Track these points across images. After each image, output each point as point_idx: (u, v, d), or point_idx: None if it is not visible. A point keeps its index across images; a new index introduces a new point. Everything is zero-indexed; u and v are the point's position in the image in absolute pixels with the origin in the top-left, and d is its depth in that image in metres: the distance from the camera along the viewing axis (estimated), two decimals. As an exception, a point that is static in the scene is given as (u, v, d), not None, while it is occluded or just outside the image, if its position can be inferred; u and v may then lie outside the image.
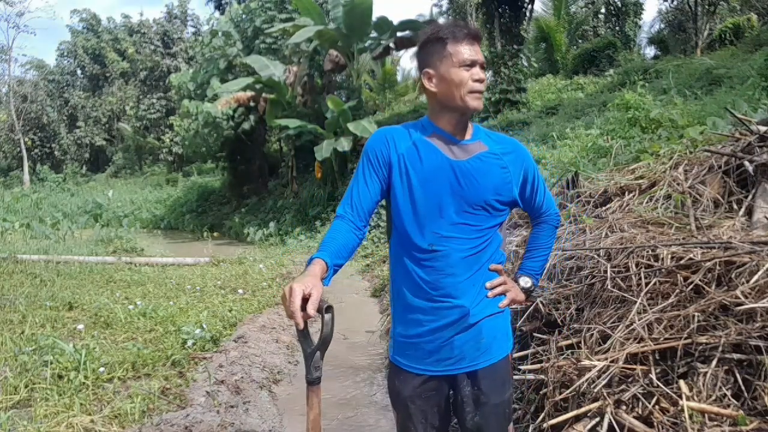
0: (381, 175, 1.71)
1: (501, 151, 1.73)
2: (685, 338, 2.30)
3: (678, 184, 3.92)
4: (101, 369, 3.88)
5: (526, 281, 1.86)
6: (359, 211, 1.69)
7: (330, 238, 1.65)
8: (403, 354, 1.76)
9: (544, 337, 2.95)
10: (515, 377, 2.65)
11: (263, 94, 16.77)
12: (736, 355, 2.20)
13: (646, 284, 2.71)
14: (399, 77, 26.96)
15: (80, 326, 4.97)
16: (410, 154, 1.69)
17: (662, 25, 23.09)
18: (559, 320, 3.02)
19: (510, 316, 1.83)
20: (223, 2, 26.44)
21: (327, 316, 1.50)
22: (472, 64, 1.64)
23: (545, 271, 3.14)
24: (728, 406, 2.09)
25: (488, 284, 1.72)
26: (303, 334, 1.56)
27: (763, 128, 3.86)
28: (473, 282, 1.69)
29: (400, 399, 1.78)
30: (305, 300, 1.44)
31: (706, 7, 18.13)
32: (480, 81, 1.66)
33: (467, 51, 1.64)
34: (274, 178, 20.15)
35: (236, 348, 4.66)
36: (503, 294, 1.75)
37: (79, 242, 13.07)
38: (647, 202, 3.94)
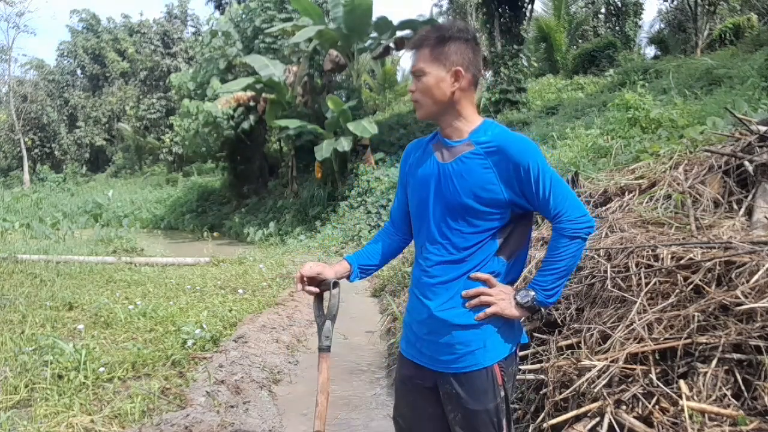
0: (403, 186, 1.91)
1: (485, 150, 1.65)
2: (685, 338, 2.30)
3: (678, 184, 3.92)
4: (101, 369, 3.88)
5: (524, 296, 1.67)
6: (393, 219, 1.99)
7: (368, 244, 2.00)
8: (403, 338, 1.91)
9: (544, 337, 2.95)
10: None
11: (263, 94, 16.76)
12: (736, 355, 2.20)
13: (646, 284, 2.71)
14: (399, 77, 26.93)
15: (80, 326, 4.97)
16: (415, 164, 1.84)
17: (662, 25, 23.10)
18: (559, 320, 3.02)
19: (495, 329, 1.69)
20: (223, 2, 26.42)
21: (334, 291, 1.82)
22: (411, 75, 1.73)
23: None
24: (728, 406, 2.09)
25: (464, 293, 1.68)
26: (317, 310, 1.88)
27: (763, 128, 3.86)
28: (448, 288, 1.70)
29: (396, 379, 1.94)
30: (316, 280, 1.84)
31: (706, 7, 18.12)
32: (410, 92, 1.72)
33: (410, 62, 1.74)
34: (274, 178, 20.13)
35: (236, 348, 4.66)
36: (483, 305, 1.67)
37: (79, 242, 13.06)
38: (647, 202, 3.94)
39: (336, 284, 1.83)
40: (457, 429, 1.72)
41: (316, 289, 1.85)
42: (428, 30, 1.71)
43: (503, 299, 1.67)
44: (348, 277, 1.90)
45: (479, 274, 1.68)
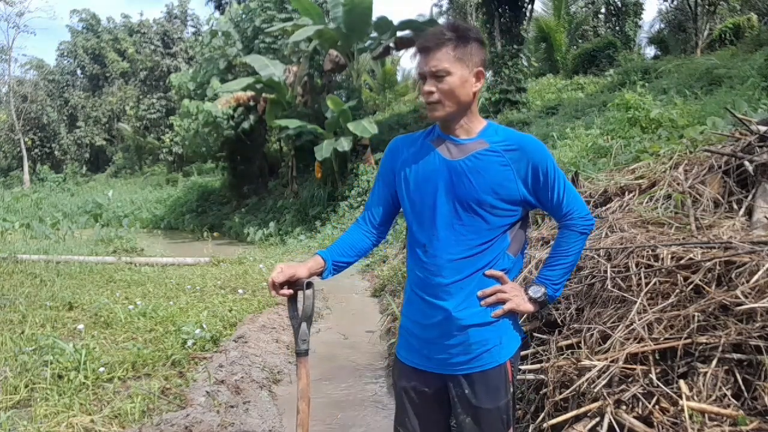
0: (389, 182, 1.84)
1: (503, 148, 1.67)
2: (685, 338, 2.30)
3: (678, 184, 3.91)
4: (101, 369, 3.88)
5: (536, 291, 1.73)
6: (371, 215, 1.89)
7: (339, 239, 1.89)
8: (401, 345, 1.83)
9: (544, 337, 2.95)
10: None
11: (263, 94, 16.76)
12: (736, 355, 2.20)
13: (646, 284, 2.71)
14: (399, 77, 26.94)
15: (80, 326, 4.97)
16: (411, 159, 1.77)
17: (662, 25, 23.08)
18: (559, 320, 3.02)
19: (510, 325, 1.74)
20: (223, 2, 26.43)
21: (308, 292, 1.74)
22: (422, 77, 1.68)
23: None
24: (728, 406, 2.09)
25: (480, 293, 1.68)
26: (291, 312, 1.81)
27: (763, 128, 3.86)
28: (462, 286, 1.68)
29: (396, 389, 1.86)
30: (290, 282, 1.74)
31: (706, 7, 18.11)
32: (427, 93, 1.65)
33: (419, 64, 1.68)
34: (274, 178, 20.13)
35: (236, 348, 4.66)
36: (499, 303, 1.69)
37: (79, 242, 13.06)
38: (647, 202, 3.94)
39: (310, 284, 1.74)
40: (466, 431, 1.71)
41: (290, 291, 1.76)
42: (443, 29, 1.66)
43: (517, 295, 1.71)
44: (320, 274, 1.80)
45: (494, 272, 1.69)
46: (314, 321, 6.28)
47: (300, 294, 1.77)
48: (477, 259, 1.67)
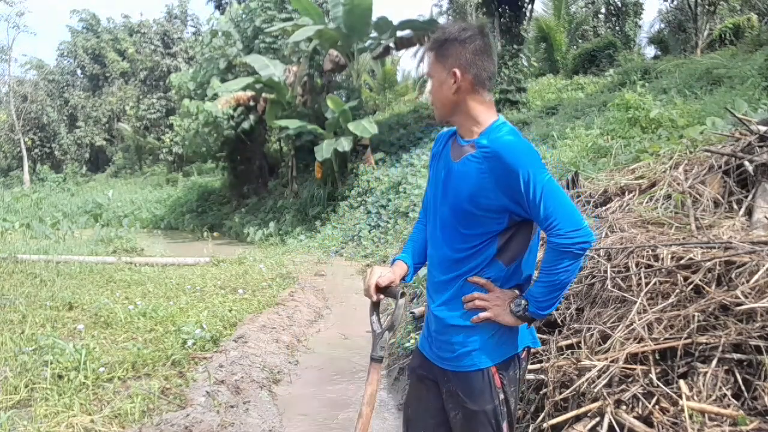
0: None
1: (483, 155, 1.61)
2: (685, 338, 2.30)
3: (678, 184, 3.92)
4: (101, 369, 3.88)
5: (517, 304, 1.64)
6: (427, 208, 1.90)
7: (410, 240, 1.94)
8: (422, 333, 1.92)
9: (544, 337, 2.95)
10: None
11: (263, 94, 16.76)
12: (736, 355, 2.20)
13: (646, 284, 2.71)
14: (399, 77, 26.96)
15: (80, 326, 4.97)
16: (437, 155, 1.84)
17: (662, 25, 23.06)
18: (559, 320, 3.02)
19: (494, 331, 1.68)
20: (223, 2, 26.41)
21: (401, 301, 1.74)
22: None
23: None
24: (728, 406, 2.09)
25: (464, 297, 1.70)
26: (374, 316, 1.82)
27: (763, 128, 3.86)
28: (447, 287, 1.72)
29: (408, 369, 2.00)
30: (382, 286, 1.77)
31: (706, 7, 18.11)
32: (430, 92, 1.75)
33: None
34: (274, 178, 20.11)
35: (236, 348, 4.66)
36: (478, 309, 1.67)
37: (79, 242, 13.05)
38: (647, 202, 3.94)
39: (403, 294, 1.75)
40: (458, 429, 1.73)
41: (381, 296, 1.80)
42: (435, 33, 1.74)
43: (498, 305, 1.66)
44: (403, 278, 1.86)
45: (477, 278, 1.68)
46: (316, 321, 6.30)
47: (382, 299, 1.81)
48: (461, 263, 1.69)
